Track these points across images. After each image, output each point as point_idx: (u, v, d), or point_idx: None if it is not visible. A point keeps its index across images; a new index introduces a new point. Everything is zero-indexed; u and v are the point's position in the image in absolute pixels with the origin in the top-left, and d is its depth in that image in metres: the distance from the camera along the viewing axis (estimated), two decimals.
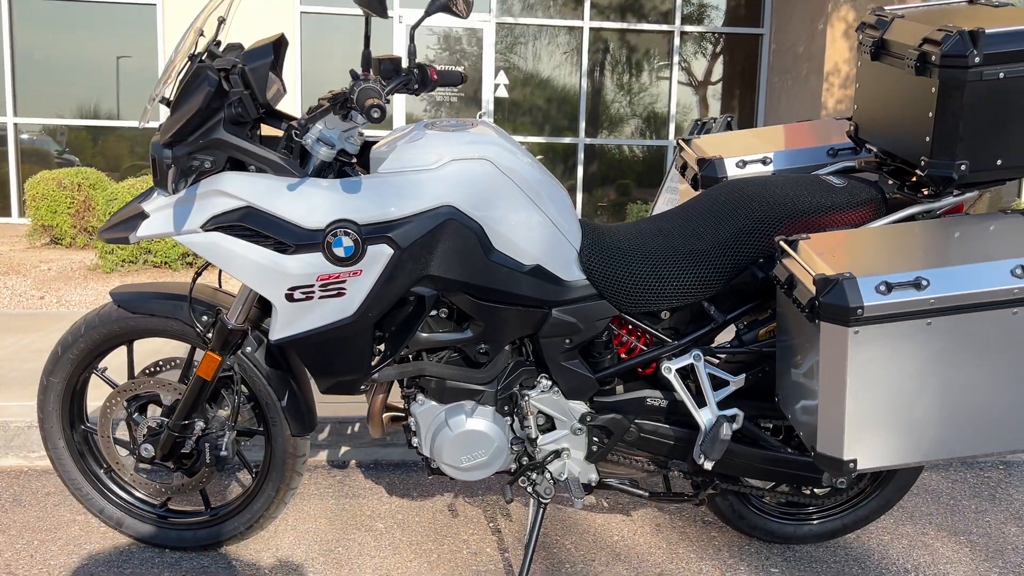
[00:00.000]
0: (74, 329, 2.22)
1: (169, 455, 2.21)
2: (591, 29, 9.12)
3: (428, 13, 1.90)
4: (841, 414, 1.76)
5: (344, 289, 1.91)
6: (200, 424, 2.18)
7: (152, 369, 2.25)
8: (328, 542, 2.45)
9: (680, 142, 2.62)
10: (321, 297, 1.91)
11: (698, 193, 2.33)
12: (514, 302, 2.04)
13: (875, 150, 2.22)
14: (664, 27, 9.20)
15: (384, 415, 2.26)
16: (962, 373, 1.74)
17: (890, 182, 2.18)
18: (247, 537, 2.40)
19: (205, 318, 2.14)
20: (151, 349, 2.63)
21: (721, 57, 9.55)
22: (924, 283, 1.68)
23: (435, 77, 2.03)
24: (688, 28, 9.25)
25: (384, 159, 1.96)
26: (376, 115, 1.74)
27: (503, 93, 9.07)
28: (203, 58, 1.91)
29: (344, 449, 3.06)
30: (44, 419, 2.29)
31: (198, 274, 2.18)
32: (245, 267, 1.90)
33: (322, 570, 2.30)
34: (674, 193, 3.62)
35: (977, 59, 1.82)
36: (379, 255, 1.89)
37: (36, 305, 4.97)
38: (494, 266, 1.98)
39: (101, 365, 2.31)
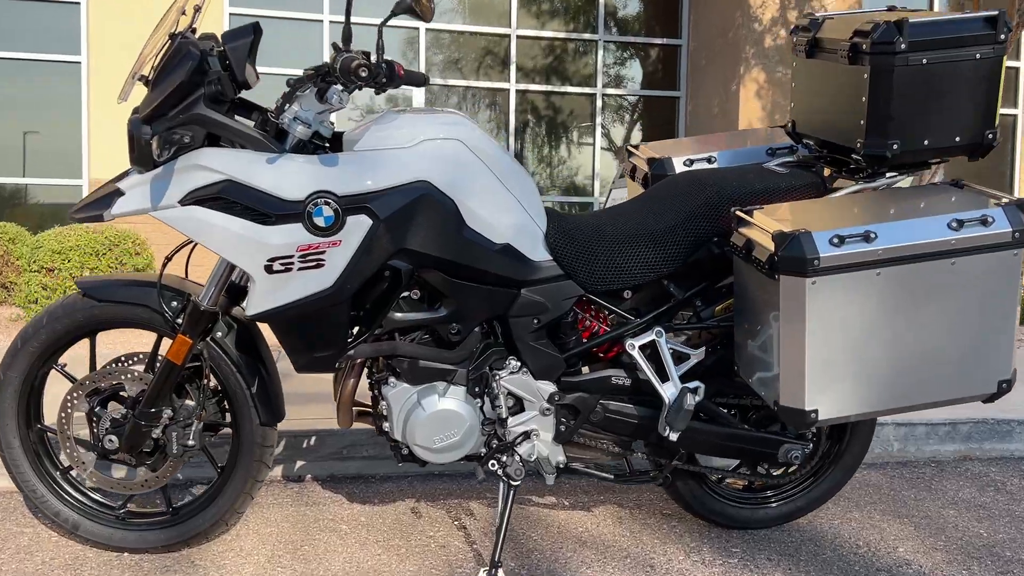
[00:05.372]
0: (35, 320, 2.18)
1: (133, 447, 2.17)
2: (517, 91, 9.44)
3: (394, 13, 2.00)
4: (801, 365, 1.87)
5: (323, 260, 1.94)
6: (167, 412, 2.15)
7: (115, 363, 2.22)
8: (293, 543, 2.41)
9: (628, 148, 2.77)
10: (300, 268, 1.94)
11: (653, 186, 2.47)
12: (485, 280, 2.10)
13: (812, 144, 2.40)
14: (587, 90, 9.59)
15: (353, 408, 2.28)
16: (910, 323, 1.88)
17: (828, 172, 2.35)
18: (211, 536, 2.34)
19: (175, 304, 2.14)
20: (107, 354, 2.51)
21: (640, 119, 9.97)
22: (873, 236, 1.82)
23: (401, 74, 2.12)
24: (610, 91, 9.66)
25: (359, 140, 2.03)
26: (363, 73, 1.82)
27: None
28: (184, 36, 1.97)
29: (300, 463, 3.02)
30: None
31: (167, 260, 2.19)
32: (224, 239, 1.92)
33: (290, 565, 2.26)
34: (622, 196, 3.77)
35: (903, 45, 2.02)
36: (358, 225, 1.94)
37: None
38: (467, 242, 2.05)
39: (61, 360, 2.26)
